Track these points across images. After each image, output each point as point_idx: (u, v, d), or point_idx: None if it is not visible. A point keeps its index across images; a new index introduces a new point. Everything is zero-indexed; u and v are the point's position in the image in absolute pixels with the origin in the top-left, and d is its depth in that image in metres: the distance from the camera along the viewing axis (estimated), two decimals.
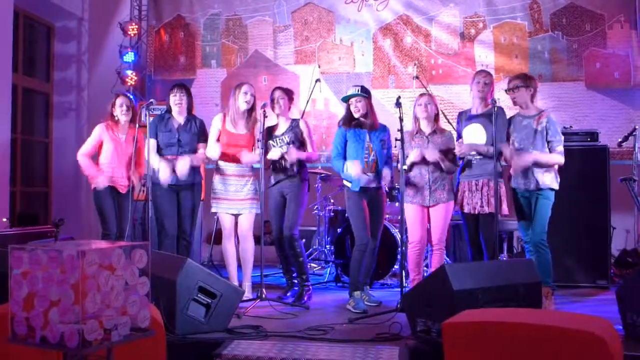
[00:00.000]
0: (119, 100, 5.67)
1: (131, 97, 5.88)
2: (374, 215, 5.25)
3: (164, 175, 5.35)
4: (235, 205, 5.41)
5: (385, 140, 5.28)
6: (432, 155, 5.13)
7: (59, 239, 5.03)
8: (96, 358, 2.44)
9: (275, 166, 5.46)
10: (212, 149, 5.42)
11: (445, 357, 3.00)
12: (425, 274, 5.53)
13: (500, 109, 5.11)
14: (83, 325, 2.27)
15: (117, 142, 5.61)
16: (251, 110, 5.47)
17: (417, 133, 5.29)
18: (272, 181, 5.48)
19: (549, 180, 4.98)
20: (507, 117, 5.20)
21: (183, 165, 5.36)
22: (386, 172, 5.16)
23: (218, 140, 5.47)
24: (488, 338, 2.86)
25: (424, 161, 5.19)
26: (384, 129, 5.34)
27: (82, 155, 5.64)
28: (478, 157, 5.09)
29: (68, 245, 2.49)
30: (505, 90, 5.18)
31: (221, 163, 5.46)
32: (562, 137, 5.08)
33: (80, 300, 2.28)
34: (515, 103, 5.13)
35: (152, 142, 5.38)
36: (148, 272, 2.52)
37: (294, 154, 5.34)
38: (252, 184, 5.42)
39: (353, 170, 5.07)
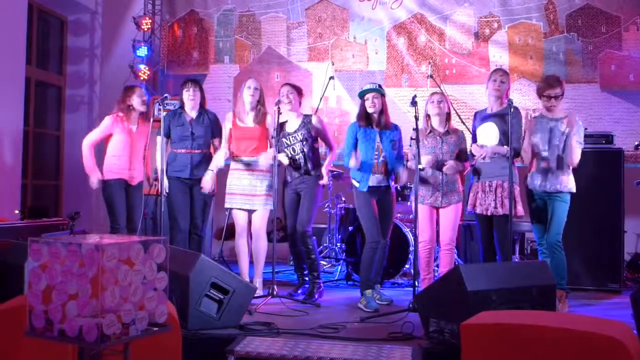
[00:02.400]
0: (138, 91, 5.67)
1: (146, 91, 5.90)
2: (383, 214, 5.24)
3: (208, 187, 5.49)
4: (249, 200, 5.40)
5: (395, 141, 5.26)
6: (450, 169, 5.15)
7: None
8: (112, 352, 2.44)
9: (290, 164, 5.46)
10: (219, 158, 5.50)
11: (462, 359, 2.98)
12: (435, 274, 5.53)
13: (516, 109, 5.08)
14: (102, 319, 2.27)
15: (128, 134, 5.61)
16: (258, 103, 5.47)
17: (429, 132, 5.27)
18: (289, 179, 5.48)
19: (570, 182, 4.96)
20: (523, 117, 5.17)
21: (208, 181, 5.49)
22: (403, 174, 5.17)
23: (230, 138, 5.49)
24: (507, 340, 2.85)
25: (436, 165, 5.18)
26: (396, 128, 5.33)
27: (88, 144, 5.64)
28: (493, 157, 5.06)
29: (87, 238, 2.48)
30: (542, 95, 5.10)
31: (236, 159, 5.46)
32: (583, 143, 5.05)
33: (99, 294, 2.28)
34: (549, 109, 5.06)
35: (161, 140, 5.38)
36: (166, 268, 2.51)
37: (325, 179, 5.50)
38: (267, 179, 5.41)
39: (351, 162, 5.12)
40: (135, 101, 5.63)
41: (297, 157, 5.40)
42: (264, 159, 5.34)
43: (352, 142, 5.24)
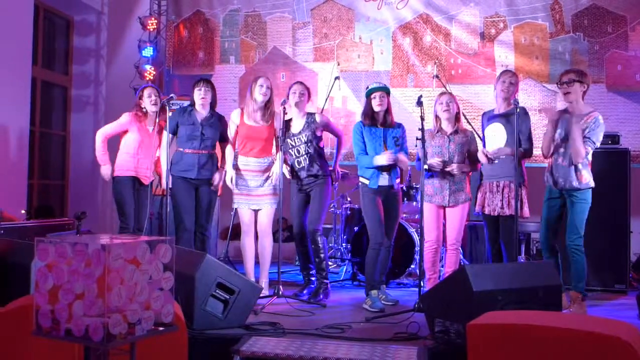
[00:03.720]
0: (147, 91, 5.70)
1: (157, 88, 5.90)
2: (389, 214, 5.24)
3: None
4: (255, 200, 5.41)
5: (398, 137, 5.27)
6: (457, 169, 5.16)
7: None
8: (119, 352, 2.44)
9: (292, 174, 5.51)
10: (229, 159, 5.52)
11: (468, 359, 2.97)
12: (441, 274, 5.52)
13: (523, 109, 5.06)
14: (107, 319, 2.27)
15: (144, 134, 5.63)
16: (268, 102, 5.47)
17: (437, 132, 5.27)
18: (296, 186, 5.51)
19: (588, 176, 4.90)
20: (531, 117, 5.16)
21: (216, 178, 5.52)
22: (402, 157, 5.20)
23: (235, 135, 5.49)
24: (513, 340, 2.84)
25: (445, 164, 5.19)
26: (399, 126, 5.35)
27: (101, 135, 5.69)
28: (502, 157, 5.04)
29: (93, 238, 2.49)
30: (558, 84, 5.05)
31: (242, 159, 5.46)
32: (599, 143, 4.95)
33: (105, 294, 2.28)
34: (567, 98, 4.96)
35: (166, 137, 5.39)
36: (172, 268, 2.51)
37: (336, 178, 5.61)
38: (272, 179, 5.42)
39: (382, 158, 5.10)
40: (145, 102, 5.66)
41: (301, 158, 5.41)
42: (277, 168, 5.40)
43: (362, 141, 5.24)
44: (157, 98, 5.70)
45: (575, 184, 4.86)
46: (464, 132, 5.31)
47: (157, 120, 5.59)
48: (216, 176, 5.51)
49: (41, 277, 2.38)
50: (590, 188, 4.91)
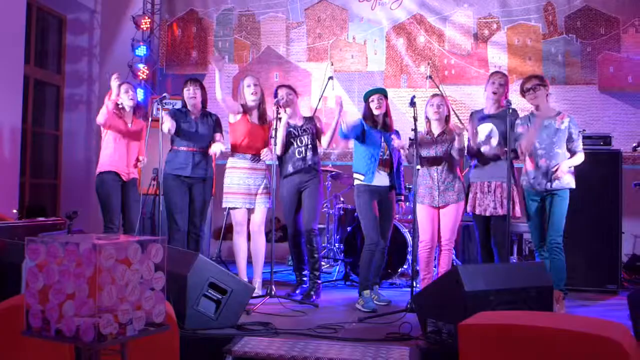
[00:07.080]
0: (124, 87, 5.63)
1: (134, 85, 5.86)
2: (384, 215, 5.24)
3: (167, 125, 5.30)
4: (248, 199, 5.40)
5: None
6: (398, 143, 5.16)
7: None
8: (110, 352, 2.43)
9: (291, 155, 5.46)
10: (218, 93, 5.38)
11: (459, 359, 2.98)
12: (434, 274, 5.53)
13: (514, 111, 5.08)
14: (98, 319, 2.26)
15: (123, 129, 5.59)
16: (261, 102, 5.48)
17: (427, 134, 5.29)
18: (291, 170, 5.44)
19: (569, 178, 4.94)
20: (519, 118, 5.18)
21: (217, 148, 5.43)
22: (398, 141, 5.21)
23: (233, 131, 5.47)
24: (504, 341, 2.84)
25: (433, 161, 5.17)
26: (396, 133, 5.37)
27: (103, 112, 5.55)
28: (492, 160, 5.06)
29: (85, 238, 2.48)
30: (522, 91, 5.11)
31: (238, 155, 5.45)
32: (581, 136, 5.07)
33: (96, 294, 2.27)
34: (532, 103, 5.05)
35: (169, 132, 5.38)
36: (164, 267, 2.51)
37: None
38: (265, 178, 5.43)
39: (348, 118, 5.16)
40: (124, 97, 5.61)
41: (302, 148, 5.40)
42: (264, 154, 5.38)
43: (360, 128, 5.22)
44: (134, 94, 5.67)
45: (558, 183, 4.89)
46: (450, 132, 5.31)
47: (150, 120, 5.57)
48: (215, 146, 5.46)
49: (32, 277, 2.37)
50: (570, 189, 4.94)
